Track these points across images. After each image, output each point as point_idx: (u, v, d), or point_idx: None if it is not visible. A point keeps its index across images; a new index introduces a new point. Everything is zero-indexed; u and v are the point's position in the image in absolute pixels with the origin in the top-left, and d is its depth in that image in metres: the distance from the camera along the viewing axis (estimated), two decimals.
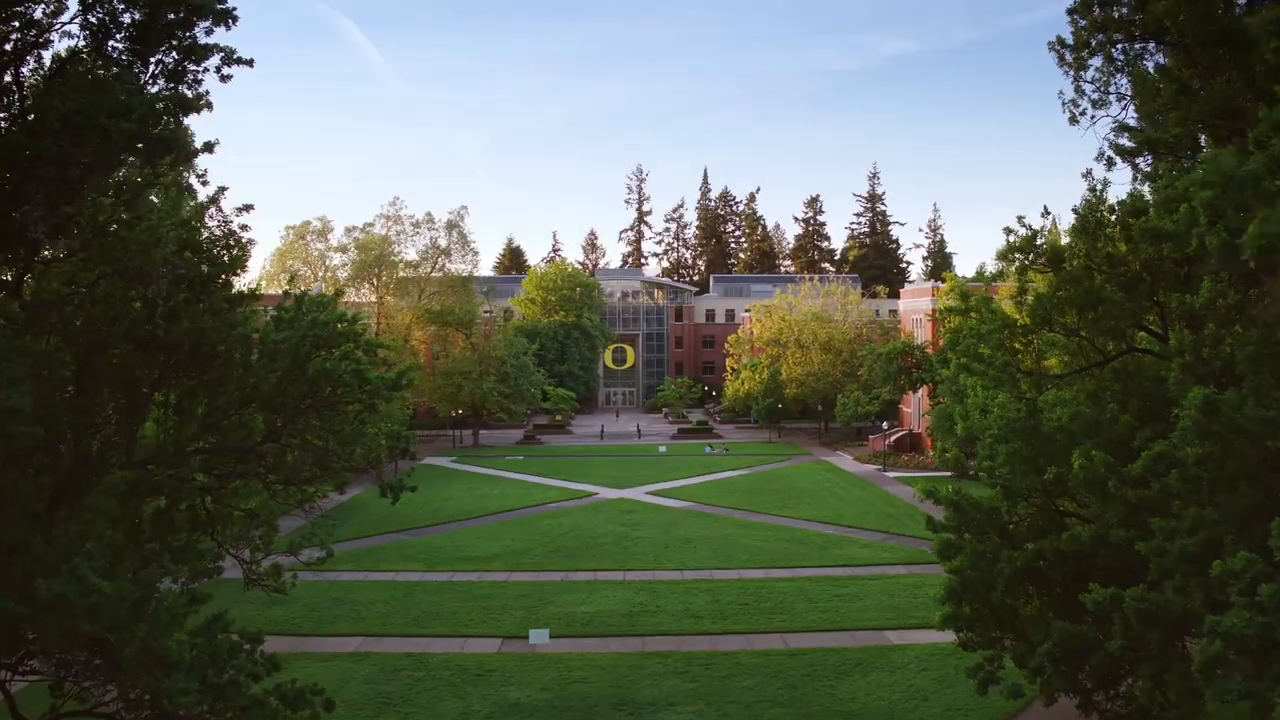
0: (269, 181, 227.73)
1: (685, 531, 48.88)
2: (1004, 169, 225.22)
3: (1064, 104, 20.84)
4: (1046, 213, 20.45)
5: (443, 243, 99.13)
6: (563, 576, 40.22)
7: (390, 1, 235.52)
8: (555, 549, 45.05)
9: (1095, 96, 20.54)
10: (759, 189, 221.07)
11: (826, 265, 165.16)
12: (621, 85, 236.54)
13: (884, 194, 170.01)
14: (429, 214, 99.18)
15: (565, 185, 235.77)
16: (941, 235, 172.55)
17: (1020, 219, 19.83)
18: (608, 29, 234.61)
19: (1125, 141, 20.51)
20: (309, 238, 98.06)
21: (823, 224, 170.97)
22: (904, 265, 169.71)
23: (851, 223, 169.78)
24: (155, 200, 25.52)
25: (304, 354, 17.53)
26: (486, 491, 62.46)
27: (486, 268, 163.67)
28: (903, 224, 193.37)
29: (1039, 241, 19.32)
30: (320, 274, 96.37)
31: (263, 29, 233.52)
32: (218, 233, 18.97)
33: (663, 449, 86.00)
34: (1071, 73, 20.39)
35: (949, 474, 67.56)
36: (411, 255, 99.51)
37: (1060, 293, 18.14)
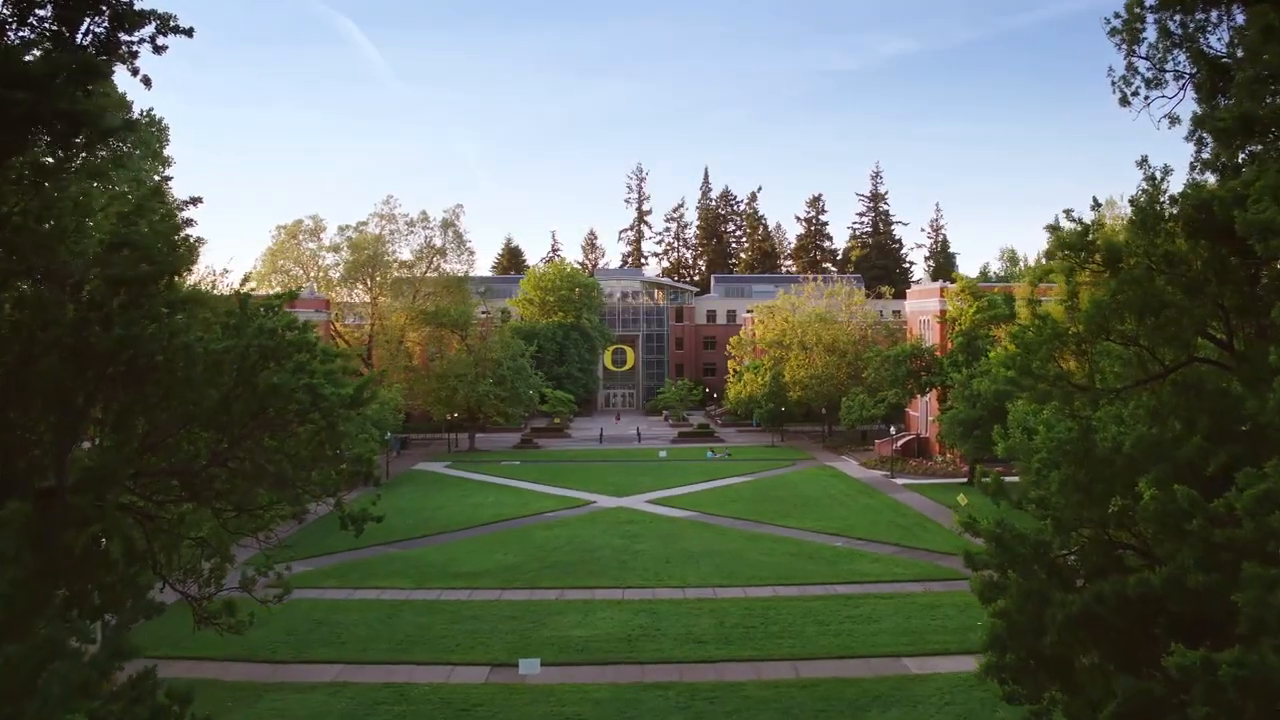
0: (268, 182, 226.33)
1: (687, 544, 46.61)
2: (1004, 169, 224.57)
3: (1113, 83, 18.59)
4: (1096, 205, 18.13)
5: (438, 242, 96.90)
6: (557, 595, 37.94)
7: (390, 1, 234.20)
8: (550, 564, 42.77)
9: (1149, 75, 18.32)
10: (760, 188, 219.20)
11: (828, 265, 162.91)
12: (621, 85, 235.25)
13: (887, 193, 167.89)
14: (424, 213, 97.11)
15: (565, 185, 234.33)
16: (944, 235, 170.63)
17: (1068, 212, 17.54)
18: (607, 29, 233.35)
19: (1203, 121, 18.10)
20: (301, 237, 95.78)
21: (825, 223, 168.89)
22: (906, 265, 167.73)
23: (854, 222, 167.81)
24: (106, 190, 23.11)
25: (249, 366, 15.24)
26: (480, 500, 60.17)
27: (485, 268, 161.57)
28: (905, 224, 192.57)
29: (1090, 238, 17.01)
30: (313, 274, 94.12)
31: (263, 29, 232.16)
32: (161, 227, 16.60)
33: (663, 454, 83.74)
34: (1125, 46, 18.11)
35: (960, 480, 65.35)
36: (406, 255, 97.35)
37: (1120, 296, 15.86)
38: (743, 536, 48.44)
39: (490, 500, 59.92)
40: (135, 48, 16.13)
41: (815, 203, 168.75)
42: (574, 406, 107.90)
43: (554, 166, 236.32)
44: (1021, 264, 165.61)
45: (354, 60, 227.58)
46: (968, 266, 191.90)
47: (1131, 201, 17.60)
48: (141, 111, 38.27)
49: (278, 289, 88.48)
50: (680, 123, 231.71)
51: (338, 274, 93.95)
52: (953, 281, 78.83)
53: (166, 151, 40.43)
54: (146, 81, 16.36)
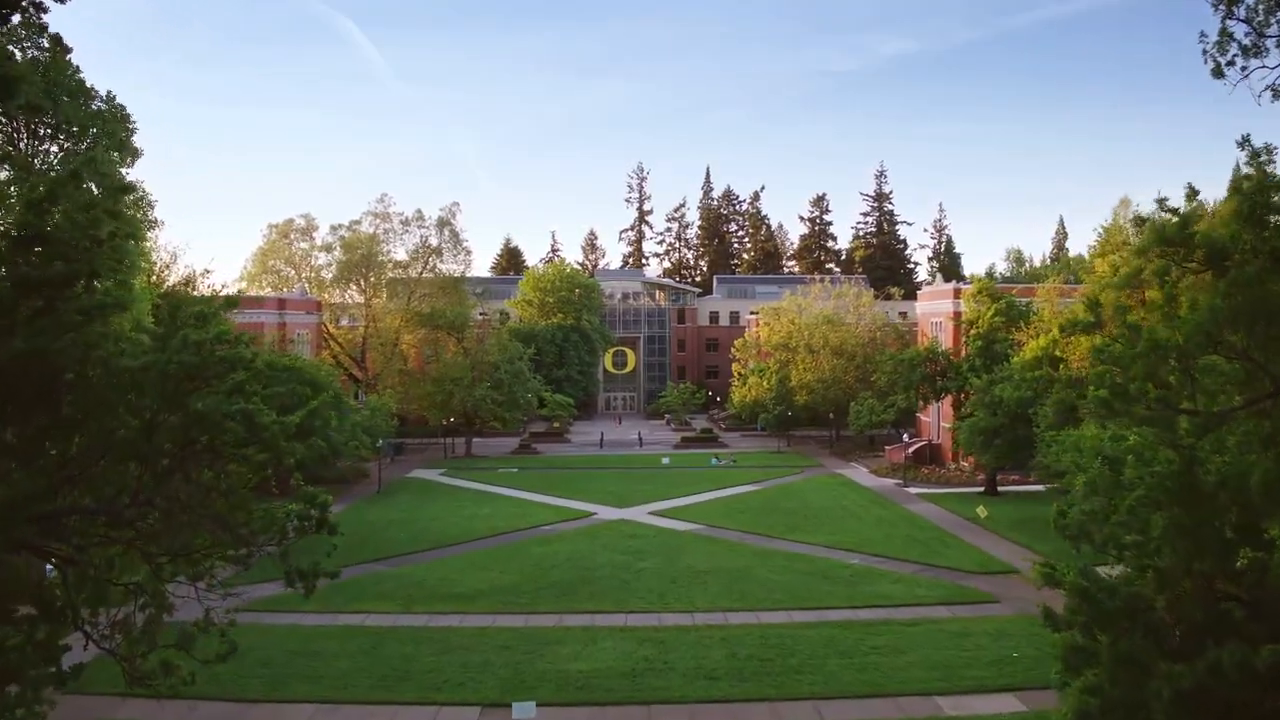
0: (269, 182, 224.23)
1: (694, 561, 43.85)
2: (1005, 170, 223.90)
3: (1205, 51, 15.88)
4: (1194, 194, 15.34)
5: (434, 241, 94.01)
6: (555, 620, 35.16)
7: (390, 1, 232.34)
8: (548, 584, 40.00)
9: (1248, 42, 15.63)
10: (763, 187, 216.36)
11: (832, 266, 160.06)
12: (622, 85, 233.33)
13: (891, 192, 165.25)
14: (419, 211, 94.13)
15: (565, 186, 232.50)
16: (948, 236, 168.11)
17: (1160, 202, 14.85)
18: (607, 29, 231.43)
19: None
20: (293, 236, 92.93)
21: (829, 223, 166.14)
22: (911, 266, 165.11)
23: (858, 223, 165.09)
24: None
25: (174, 388, 12.52)
26: (475, 511, 57.39)
27: (484, 269, 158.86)
28: (910, 223, 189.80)
29: (1190, 232, 14.26)
30: (305, 275, 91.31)
31: (263, 29, 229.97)
32: (80, 219, 13.83)
33: (666, 460, 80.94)
34: (1221, 6, 15.40)
35: (977, 490, 62.59)
36: (401, 255, 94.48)
37: (1228, 301, 13.15)
38: (752, 552, 45.68)
39: (485, 512, 57.13)
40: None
41: (819, 202, 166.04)
42: (573, 410, 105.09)
43: (554, 167, 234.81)
44: (1027, 265, 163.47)
45: (354, 60, 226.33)
46: (972, 267, 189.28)
47: (1234, 187, 14.87)
48: (103, 96, 35.58)
49: (268, 290, 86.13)
50: (681, 123, 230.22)
51: (330, 274, 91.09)
52: (967, 282, 76.17)
53: (135, 142, 37.73)
54: (57, 40, 13.66)
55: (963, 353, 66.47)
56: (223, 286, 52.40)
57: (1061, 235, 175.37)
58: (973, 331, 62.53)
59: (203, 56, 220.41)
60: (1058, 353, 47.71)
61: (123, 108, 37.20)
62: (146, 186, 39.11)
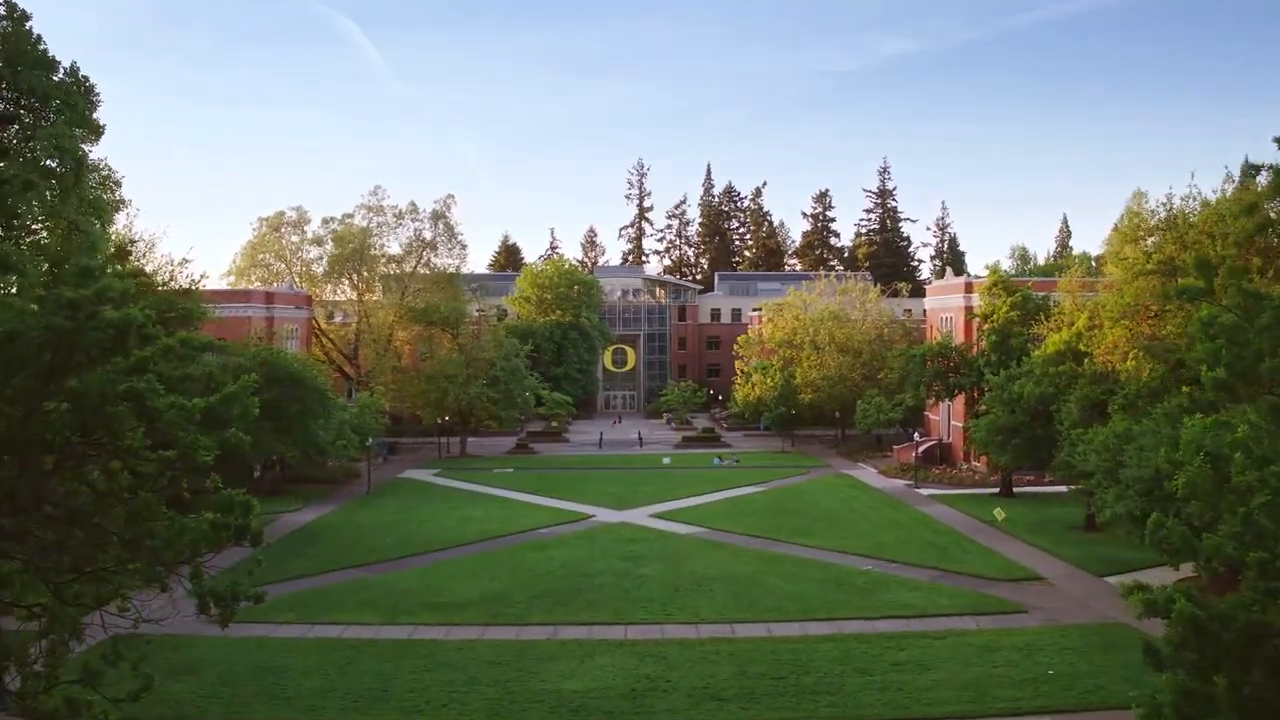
0: (269, 183, 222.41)
1: (698, 567, 41.21)
2: (1004, 169, 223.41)
3: None
4: None
5: (428, 235, 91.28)
6: (549, 633, 32.50)
7: (391, 2, 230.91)
8: (542, 593, 37.33)
9: None
10: (765, 183, 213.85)
11: (835, 263, 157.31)
12: (622, 85, 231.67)
13: (895, 189, 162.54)
14: (412, 204, 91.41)
15: (564, 185, 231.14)
16: (952, 234, 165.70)
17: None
18: (607, 29, 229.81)
19: None
20: (284, 230, 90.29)
21: (832, 219, 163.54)
22: (914, 264, 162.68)
23: (860, 219, 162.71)
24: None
25: (49, 362, 9.90)
26: (468, 514, 54.72)
27: (482, 266, 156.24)
28: (914, 220, 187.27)
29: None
30: (296, 269, 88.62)
31: (263, 30, 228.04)
32: None
33: (667, 460, 78.30)
34: None
35: (991, 491, 59.96)
36: (395, 249, 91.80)
37: None
38: (759, 558, 43.02)
39: (479, 514, 54.46)
40: None
41: (822, 198, 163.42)
42: (572, 409, 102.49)
43: (553, 166, 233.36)
44: (1032, 262, 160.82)
45: (354, 60, 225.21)
46: (976, 265, 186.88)
47: None
48: (66, 69, 32.86)
49: (257, 284, 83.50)
50: (681, 122, 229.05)
51: (321, 268, 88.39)
52: (979, 275, 73.61)
53: (98, 118, 34.96)
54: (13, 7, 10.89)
55: (975, 348, 63.84)
56: (202, 277, 49.79)
57: (1065, 233, 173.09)
58: (987, 326, 59.86)
59: (203, 57, 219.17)
60: (1081, 346, 45.07)
61: (86, 79, 34.51)
62: (112, 164, 36.23)
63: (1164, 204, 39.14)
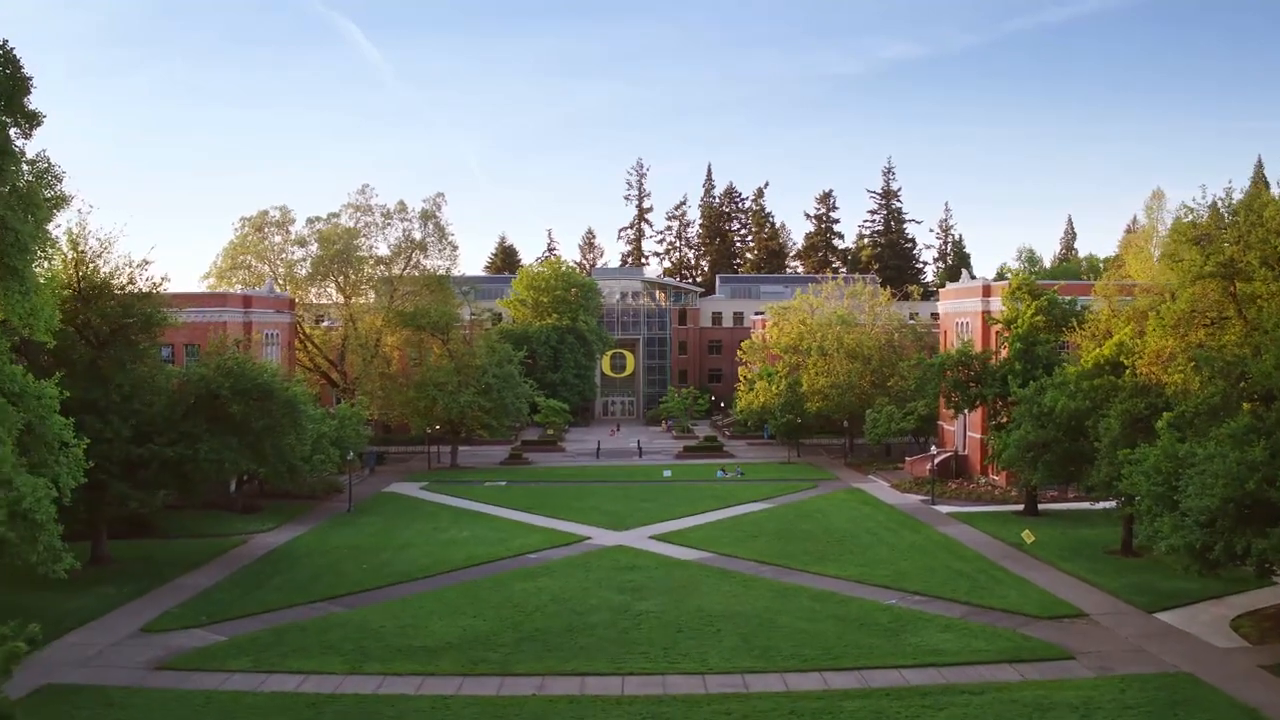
0: (267, 183, 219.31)
1: (704, 601, 37.27)
2: (1007, 170, 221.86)
3: None
4: None
5: (417, 235, 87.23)
6: (536, 685, 28.49)
7: (392, 4, 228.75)
8: (529, 634, 33.35)
9: None
10: (767, 183, 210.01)
11: (839, 265, 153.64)
12: (622, 88, 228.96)
13: (900, 190, 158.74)
14: (401, 202, 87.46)
15: (563, 188, 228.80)
16: (957, 236, 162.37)
17: None
18: (608, 32, 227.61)
19: None
20: (267, 230, 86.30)
21: (835, 220, 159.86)
22: (919, 266, 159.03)
23: (864, 221, 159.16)
24: None
25: None
26: (454, 534, 50.80)
27: (478, 268, 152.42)
28: (919, 222, 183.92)
29: None
30: (280, 271, 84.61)
31: (264, 30, 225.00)
32: None
33: (668, 473, 74.38)
34: None
35: (1014, 509, 56.10)
36: (383, 250, 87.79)
37: None
38: (771, 590, 39.07)
39: (465, 535, 50.53)
40: None
41: (826, 199, 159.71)
42: (569, 417, 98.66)
43: (552, 169, 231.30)
44: (1039, 265, 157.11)
45: (356, 62, 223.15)
46: (981, 268, 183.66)
47: None
48: None
49: (238, 287, 79.48)
50: (681, 125, 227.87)
51: (305, 270, 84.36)
52: (986, 278, 69.86)
53: (30, 104, 31.04)
54: None
55: (994, 356, 59.91)
56: (164, 280, 45.71)
57: (1070, 235, 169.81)
58: (1010, 332, 55.95)
59: (204, 58, 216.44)
60: (1123, 358, 41.15)
61: (16, 62, 30.66)
62: (51, 157, 32.30)
63: (1223, 200, 35.22)
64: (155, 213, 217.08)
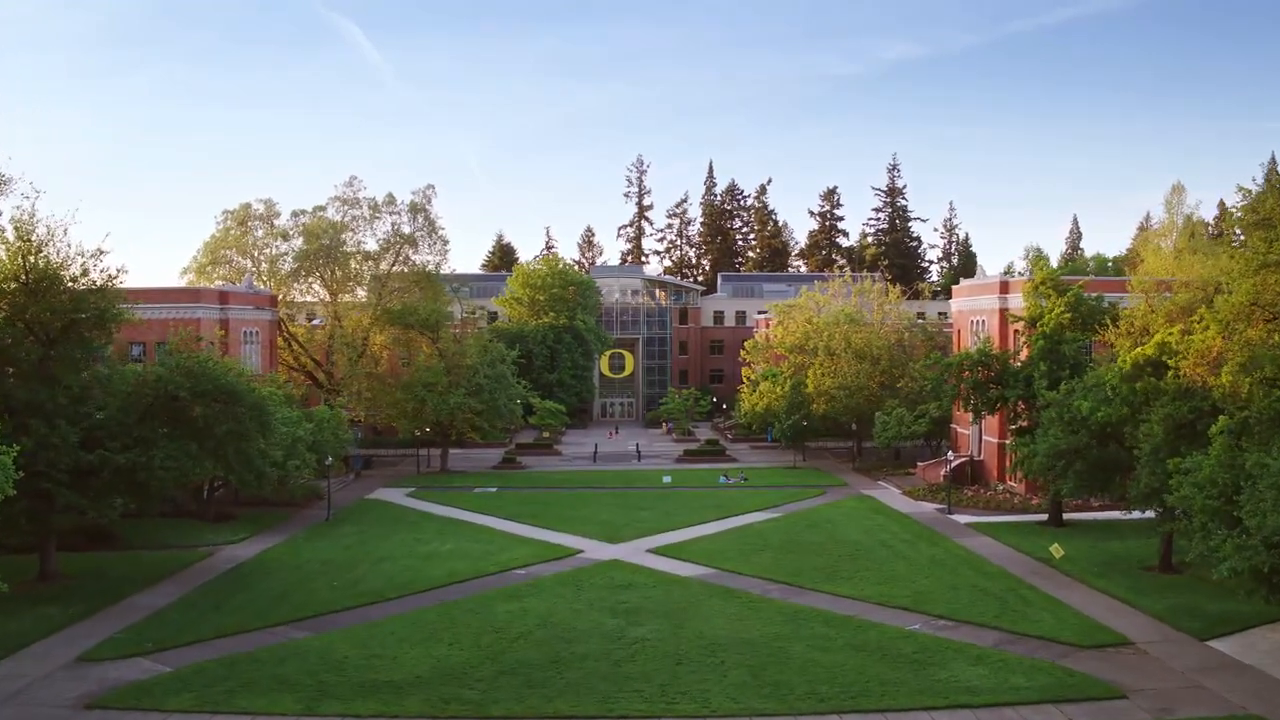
0: (266, 184, 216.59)
1: (706, 627, 33.61)
2: (1009, 171, 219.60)
3: None
4: None
5: (406, 229, 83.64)
6: None
7: (393, 4, 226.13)
8: (510, 666, 29.70)
9: None
10: (769, 180, 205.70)
11: (843, 264, 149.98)
12: (622, 88, 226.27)
13: (905, 187, 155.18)
14: (390, 195, 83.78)
15: (562, 187, 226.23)
16: (963, 234, 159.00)
17: None
18: (608, 33, 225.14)
19: None
20: (251, 223, 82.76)
21: (840, 218, 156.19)
22: (925, 265, 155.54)
23: (869, 219, 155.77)
24: None
25: None
26: (436, 547, 47.18)
27: (475, 265, 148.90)
28: (924, 219, 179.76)
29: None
30: (261, 266, 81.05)
31: (263, 30, 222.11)
32: None
33: (668, 479, 70.68)
34: None
35: (1038, 519, 52.49)
36: (371, 245, 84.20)
37: None
38: (781, 613, 35.41)
39: (448, 548, 46.90)
40: None
41: (830, 196, 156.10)
42: (565, 419, 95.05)
43: (552, 169, 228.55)
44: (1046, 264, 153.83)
45: (357, 63, 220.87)
46: (986, 267, 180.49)
47: None
48: None
49: (219, 283, 75.87)
50: (682, 125, 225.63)
51: (288, 265, 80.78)
52: (995, 276, 66.28)
53: None
54: None
55: (1014, 356, 56.24)
56: (119, 271, 41.97)
57: (1076, 234, 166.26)
58: (1034, 331, 52.29)
59: (205, 59, 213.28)
60: (1166, 358, 37.51)
61: None
62: None
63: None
64: (155, 213, 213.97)
